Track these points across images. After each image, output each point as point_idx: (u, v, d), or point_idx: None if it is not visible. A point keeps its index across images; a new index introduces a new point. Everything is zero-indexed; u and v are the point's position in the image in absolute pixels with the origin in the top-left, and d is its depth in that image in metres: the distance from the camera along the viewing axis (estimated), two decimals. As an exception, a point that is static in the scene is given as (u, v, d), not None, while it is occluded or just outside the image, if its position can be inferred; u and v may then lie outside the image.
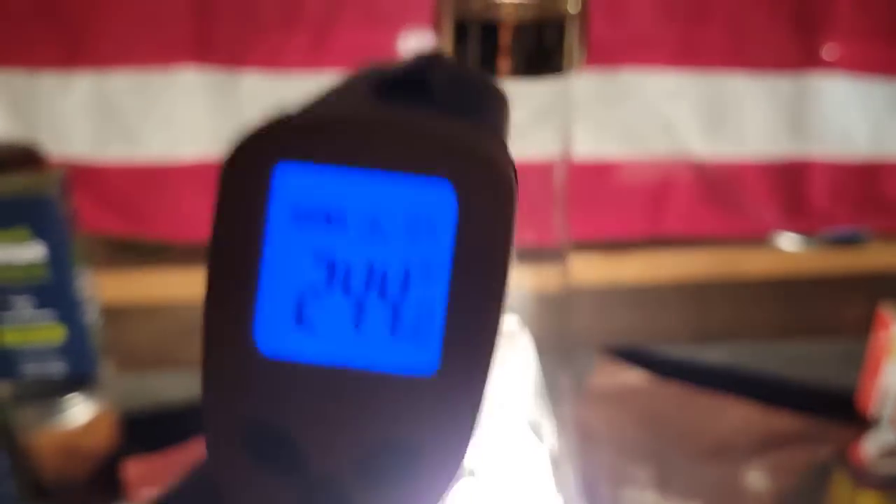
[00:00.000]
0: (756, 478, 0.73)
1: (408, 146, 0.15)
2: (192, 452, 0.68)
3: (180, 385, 0.74)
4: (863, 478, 0.74)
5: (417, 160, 0.15)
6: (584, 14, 0.30)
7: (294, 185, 0.15)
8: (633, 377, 0.75)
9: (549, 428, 0.43)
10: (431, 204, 0.15)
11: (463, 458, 0.16)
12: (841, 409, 0.75)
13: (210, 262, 0.15)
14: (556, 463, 0.42)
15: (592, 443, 0.65)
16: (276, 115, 0.15)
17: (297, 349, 0.16)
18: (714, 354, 0.80)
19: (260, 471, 0.16)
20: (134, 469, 0.66)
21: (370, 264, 0.15)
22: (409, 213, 0.15)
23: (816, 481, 0.81)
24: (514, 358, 0.40)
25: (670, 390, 0.74)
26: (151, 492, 0.66)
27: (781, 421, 0.72)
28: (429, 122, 0.15)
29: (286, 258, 0.15)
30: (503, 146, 0.16)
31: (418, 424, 0.15)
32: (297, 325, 0.16)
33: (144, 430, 0.69)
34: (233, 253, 0.15)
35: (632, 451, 0.74)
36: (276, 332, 0.16)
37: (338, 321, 0.16)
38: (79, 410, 0.66)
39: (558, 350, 0.40)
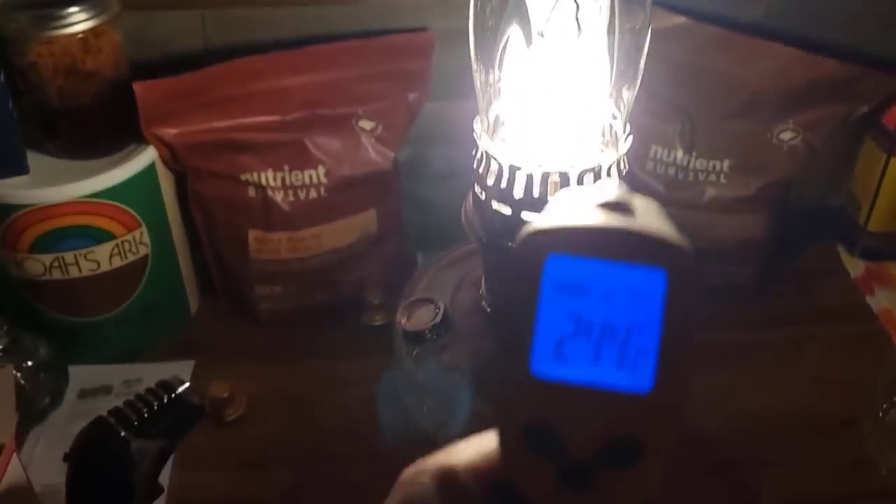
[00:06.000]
0: (787, 136, 0.71)
1: (632, 244, 0.22)
2: (205, 78, 0.64)
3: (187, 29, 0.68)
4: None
5: (639, 254, 0.22)
6: None
7: (558, 269, 0.23)
8: (678, 20, 0.69)
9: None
10: (649, 283, 0.22)
11: (674, 451, 0.23)
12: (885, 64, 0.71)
13: (503, 315, 0.24)
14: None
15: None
16: (546, 220, 0.23)
17: (557, 374, 0.23)
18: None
19: (533, 456, 0.23)
20: (144, 92, 0.63)
21: (605, 321, 0.23)
22: (633, 289, 0.23)
23: (847, 144, 0.80)
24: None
25: (712, 31, 0.68)
26: (161, 115, 0.63)
27: (824, 67, 0.68)
28: (644, 226, 0.23)
29: (550, 316, 0.23)
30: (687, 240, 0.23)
31: (640, 426, 0.23)
32: (557, 358, 0.23)
33: (151, 73, 0.64)
34: (518, 312, 0.23)
35: (662, 108, 0.71)
36: (543, 363, 0.23)
37: (583, 357, 0.23)
38: (78, 20, 0.60)
39: None
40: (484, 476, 0.25)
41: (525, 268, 0.23)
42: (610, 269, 0.23)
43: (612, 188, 0.24)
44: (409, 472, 0.26)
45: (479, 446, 0.26)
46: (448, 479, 0.25)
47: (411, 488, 0.26)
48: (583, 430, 0.23)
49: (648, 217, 0.24)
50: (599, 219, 0.23)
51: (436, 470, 0.26)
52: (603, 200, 0.24)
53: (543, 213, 0.24)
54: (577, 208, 0.24)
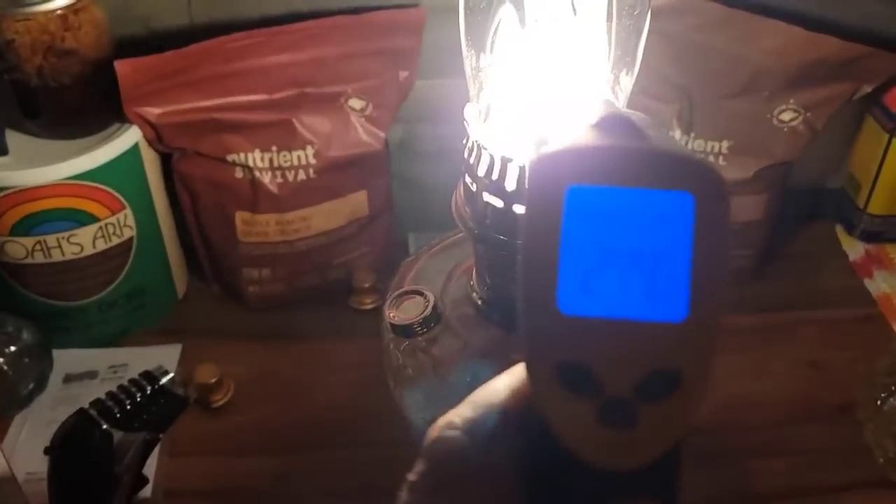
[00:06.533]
0: (788, 114, 0.69)
1: (657, 168, 0.22)
2: (190, 56, 0.62)
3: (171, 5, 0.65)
4: (899, 124, 0.71)
5: (666, 179, 0.21)
6: None
7: (582, 198, 0.22)
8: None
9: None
10: (676, 208, 0.21)
11: (707, 382, 0.22)
12: (888, 43, 0.69)
13: (524, 252, 0.22)
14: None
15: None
16: (562, 146, 0.22)
17: (586, 309, 0.22)
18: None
19: (567, 395, 0.22)
20: (126, 70, 0.61)
21: (632, 250, 0.22)
22: (660, 215, 0.21)
23: (848, 125, 0.78)
24: None
25: (712, 8, 0.66)
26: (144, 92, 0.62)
27: (826, 45, 0.66)
28: (667, 148, 0.22)
29: (575, 248, 0.22)
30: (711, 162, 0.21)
31: (676, 356, 0.22)
32: (585, 292, 0.22)
33: (134, 51, 0.62)
34: (540, 246, 0.22)
35: (659, 87, 0.69)
36: (571, 298, 0.22)
37: (612, 289, 0.22)
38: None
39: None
40: (516, 419, 0.24)
41: (544, 198, 0.22)
42: (635, 196, 0.22)
43: (599, 106, 0.23)
44: (437, 426, 0.25)
45: (510, 387, 0.25)
46: (479, 427, 0.24)
47: (442, 444, 0.24)
48: (618, 365, 0.22)
49: (661, 136, 0.23)
50: (611, 141, 0.22)
51: (465, 420, 0.24)
52: (598, 119, 0.22)
53: (546, 141, 0.23)
54: (579, 133, 0.23)
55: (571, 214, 0.22)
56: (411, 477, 0.25)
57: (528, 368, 0.23)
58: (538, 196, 0.22)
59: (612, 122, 0.23)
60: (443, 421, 0.25)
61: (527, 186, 0.22)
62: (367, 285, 0.69)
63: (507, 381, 0.25)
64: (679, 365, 0.22)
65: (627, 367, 0.22)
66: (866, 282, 0.74)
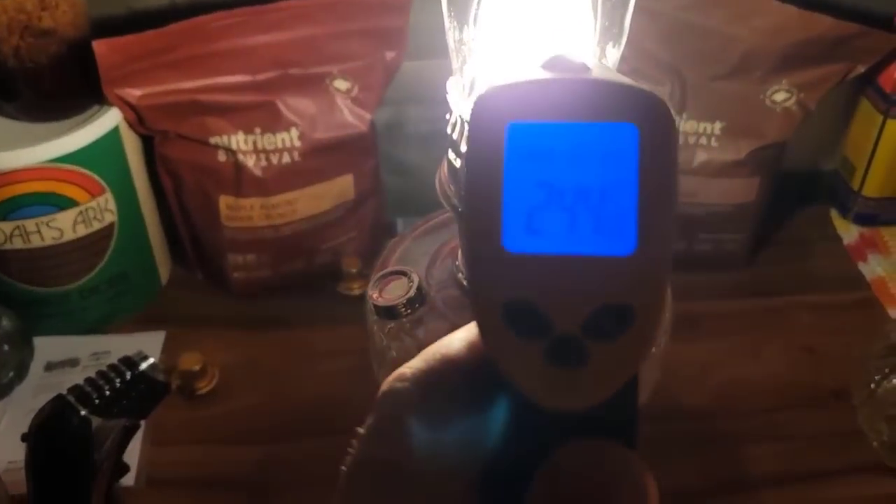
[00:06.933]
0: (781, 95, 0.68)
1: (600, 100, 0.21)
2: (170, 35, 0.61)
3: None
4: (892, 104, 0.70)
5: (608, 111, 0.21)
6: None
7: (523, 135, 0.21)
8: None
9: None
10: (621, 140, 0.21)
11: (662, 316, 0.23)
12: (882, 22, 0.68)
13: (467, 193, 0.22)
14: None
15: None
16: (502, 84, 0.22)
17: (532, 247, 0.22)
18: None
19: (516, 336, 0.22)
20: (104, 50, 0.59)
21: (577, 186, 0.21)
22: (604, 148, 0.21)
23: (842, 106, 0.77)
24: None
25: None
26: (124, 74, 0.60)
27: (820, 24, 0.65)
28: (608, 77, 0.22)
29: (519, 185, 0.21)
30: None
31: (626, 291, 0.21)
32: (530, 230, 0.22)
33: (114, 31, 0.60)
34: (483, 185, 0.22)
35: (650, 67, 0.68)
36: (516, 237, 0.21)
37: (557, 225, 0.22)
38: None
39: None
40: (470, 365, 0.23)
41: (485, 137, 0.21)
42: (577, 130, 0.21)
43: (550, 49, 0.22)
44: (387, 380, 0.24)
45: (465, 339, 0.24)
46: (430, 378, 0.23)
47: (391, 397, 0.24)
48: (566, 302, 0.21)
49: (605, 70, 0.22)
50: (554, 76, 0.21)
51: (415, 371, 0.23)
52: (544, 61, 0.22)
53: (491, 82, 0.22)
54: (525, 73, 0.22)
55: (513, 152, 0.21)
56: (360, 430, 0.24)
57: (476, 311, 0.22)
58: (479, 134, 0.21)
59: (558, 63, 0.22)
60: (394, 373, 0.24)
61: (469, 125, 0.22)
62: (354, 271, 0.68)
63: (463, 334, 0.24)
64: (629, 300, 0.21)
65: (575, 303, 0.21)
66: (860, 265, 0.73)
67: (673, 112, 0.21)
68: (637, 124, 0.21)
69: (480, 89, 0.22)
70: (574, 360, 0.21)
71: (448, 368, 0.23)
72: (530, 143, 0.21)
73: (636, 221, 0.21)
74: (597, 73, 0.22)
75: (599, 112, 0.21)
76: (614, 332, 0.21)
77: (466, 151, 0.22)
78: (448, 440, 0.23)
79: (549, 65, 0.22)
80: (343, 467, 0.24)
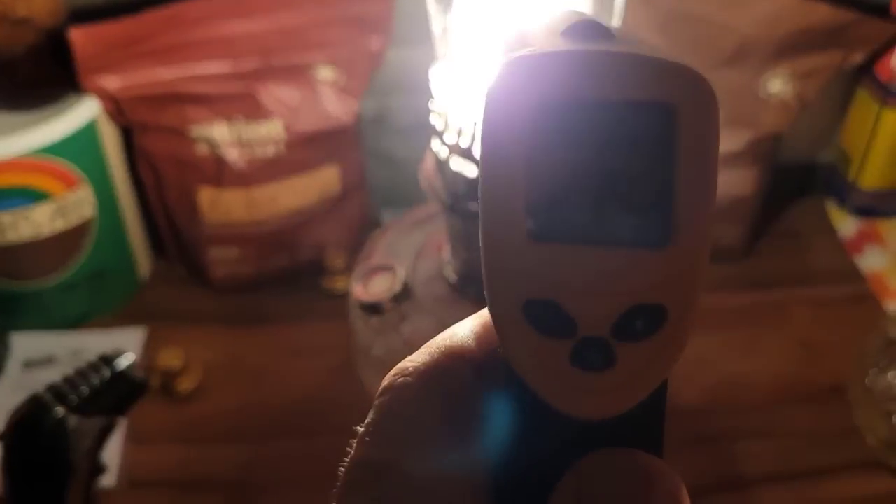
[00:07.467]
0: (777, 85, 0.67)
1: (635, 77, 0.19)
2: (149, 23, 0.59)
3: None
4: (889, 94, 0.69)
5: (645, 88, 0.19)
6: None
7: (549, 114, 0.19)
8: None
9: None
10: (657, 121, 0.19)
11: (694, 318, 0.19)
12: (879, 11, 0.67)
13: (484, 179, 0.19)
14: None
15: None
16: (524, 55, 0.19)
17: (557, 236, 0.19)
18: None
19: (538, 337, 0.19)
20: (81, 39, 0.57)
21: (608, 171, 0.19)
22: (639, 130, 0.19)
23: (839, 96, 0.75)
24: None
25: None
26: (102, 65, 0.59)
27: (817, 12, 0.63)
28: (644, 53, 0.19)
29: (543, 169, 0.19)
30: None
31: (659, 288, 0.19)
32: (555, 219, 0.19)
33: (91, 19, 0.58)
34: (501, 169, 0.19)
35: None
36: (539, 226, 0.19)
37: (585, 213, 0.19)
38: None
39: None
40: (478, 361, 0.21)
41: (504, 117, 0.19)
42: (609, 109, 0.19)
43: (567, 14, 0.20)
44: (390, 374, 0.22)
45: (473, 331, 0.22)
46: (433, 373, 0.21)
47: (391, 393, 0.21)
48: (593, 300, 0.19)
49: (633, 41, 0.20)
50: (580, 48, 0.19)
51: (418, 366, 0.21)
52: (567, 27, 0.20)
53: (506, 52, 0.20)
54: (544, 42, 0.20)
55: (536, 132, 0.19)
56: (359, 429, 0.22)
57: (493, 309, 0.20)
58: (497, 114, 0.19)
59: (582, 29, 0.20)
60: (396, 368, 0.22)
61: (485, 102, 0.19)
62: (339, 266, 0.67)
63: (471, 325, 0.22)
64: (662, 299, 0.19)
65: (603, 301, 0.19)
66: (857, 258, 0.71)
67: (713, 92, 0.19)
68: (676, 103, 0.19)
69: (496, 63, 0.19)
70: (601, 363, 0.19)
71: (454, 363, 0.21)
72: (555, 122, 0.19)
73: (671, 212, 0.19)
74: (625, 44, 0.20)
75: (635, 90, 0.19)
76: (644, 334, 0.19)
77: (482, 131, 0.20)
78: (451, 441, 0.21)
79: (573, 31, 0.20)
80: (341, 468, 0.22)
